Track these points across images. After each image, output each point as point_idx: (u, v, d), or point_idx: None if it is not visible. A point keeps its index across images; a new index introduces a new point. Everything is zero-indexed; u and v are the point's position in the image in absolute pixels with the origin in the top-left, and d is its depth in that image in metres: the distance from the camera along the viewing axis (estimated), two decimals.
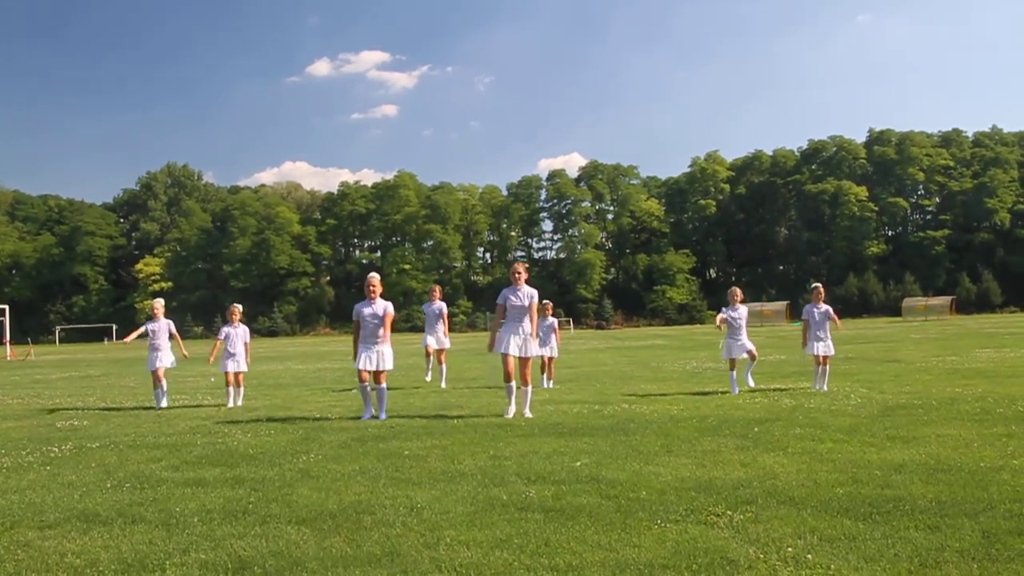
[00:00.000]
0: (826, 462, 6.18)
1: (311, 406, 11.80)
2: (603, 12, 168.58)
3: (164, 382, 12.39)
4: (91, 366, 28.96)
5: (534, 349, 9.69)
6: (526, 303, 9.61)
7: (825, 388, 11.90)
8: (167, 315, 12.87)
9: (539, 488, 5.52)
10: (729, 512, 4.73)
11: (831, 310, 12.34)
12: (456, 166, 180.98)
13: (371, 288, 10.06)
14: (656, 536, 4.30)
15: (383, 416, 9.80)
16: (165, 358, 12.39)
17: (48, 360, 37.57)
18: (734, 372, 12.19)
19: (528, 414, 9.54)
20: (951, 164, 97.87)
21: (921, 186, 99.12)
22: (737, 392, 11.80)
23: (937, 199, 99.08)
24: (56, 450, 7.93)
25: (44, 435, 9.24)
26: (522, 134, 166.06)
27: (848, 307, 79.55)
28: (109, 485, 6.10)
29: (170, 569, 4.04)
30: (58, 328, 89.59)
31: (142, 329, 12.74)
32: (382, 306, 10.07)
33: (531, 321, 9.62)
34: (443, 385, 14.48)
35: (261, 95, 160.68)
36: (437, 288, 15.53)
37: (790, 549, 4.01)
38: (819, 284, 12.63)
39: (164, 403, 12.23)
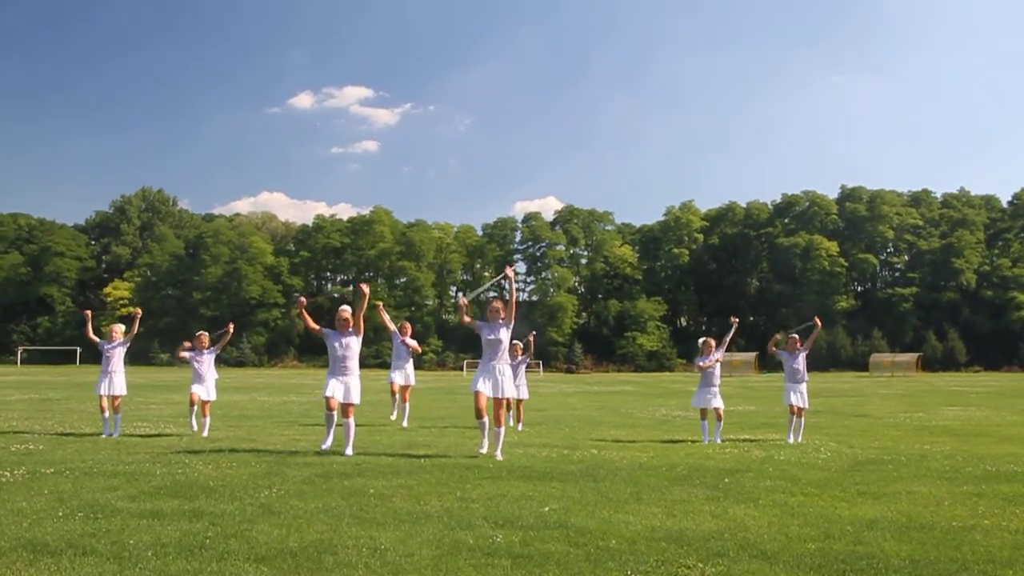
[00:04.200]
0: (797, 516, 6.10)
1: (276, 439, 11.57)
2: (583, 57, 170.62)
3: (119, 413, 12.02)
4: (52, 389, 28.35)
5: (509, 390, 9.59)
6: (503, 338, 9.55)
7: (801, 439, 11.86)
8: (131, 341, 12.48)
9: (506, 533, 5.38)
10: (700, 564, 4.63)
11: (803, 358, 12.32)
12: (433, 204, 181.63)
13: (343, 321, 9.95)
14: None
15: (349, 452, 9.61)
16: (117, 385, 12.02)
17: (8, 381, 36.76)
18: (705, 422, 12.12)
19: (498, 456, 9.39)
20: (920, 223, 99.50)
21: (890, 244, 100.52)
22: (708, 441, 11.73)
23: (906, 257, 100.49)
24: (7, 475, 7.67)
25: None
26: (499, 175, 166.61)
27: (817, 360, 79.81)
28: (61, 514, 5.88)
29: None
30: (20, 349, 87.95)
31: (99, 341, 12.25)
32: (354, 336, 9.96)
33: (510, 312, 9.57)
34: (405, 424, 14.23)
35: (241, 124, 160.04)
36: (408, 325, 15.32)
37: None
38: (796, 335, 12.56)
39: (117, 433, 11.82)
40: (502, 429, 9.58)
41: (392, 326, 14.92)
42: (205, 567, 4.50)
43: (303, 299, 10.91)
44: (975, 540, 5.32)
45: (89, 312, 13.60)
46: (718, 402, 12.11)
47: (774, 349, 12.77)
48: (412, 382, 14.65)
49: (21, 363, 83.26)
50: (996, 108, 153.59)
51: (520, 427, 13.76)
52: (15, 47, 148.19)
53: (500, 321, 9.69)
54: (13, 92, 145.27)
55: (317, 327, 10.07)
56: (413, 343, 14.67)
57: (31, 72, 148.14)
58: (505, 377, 9.52)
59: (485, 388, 9.44)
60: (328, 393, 9.80)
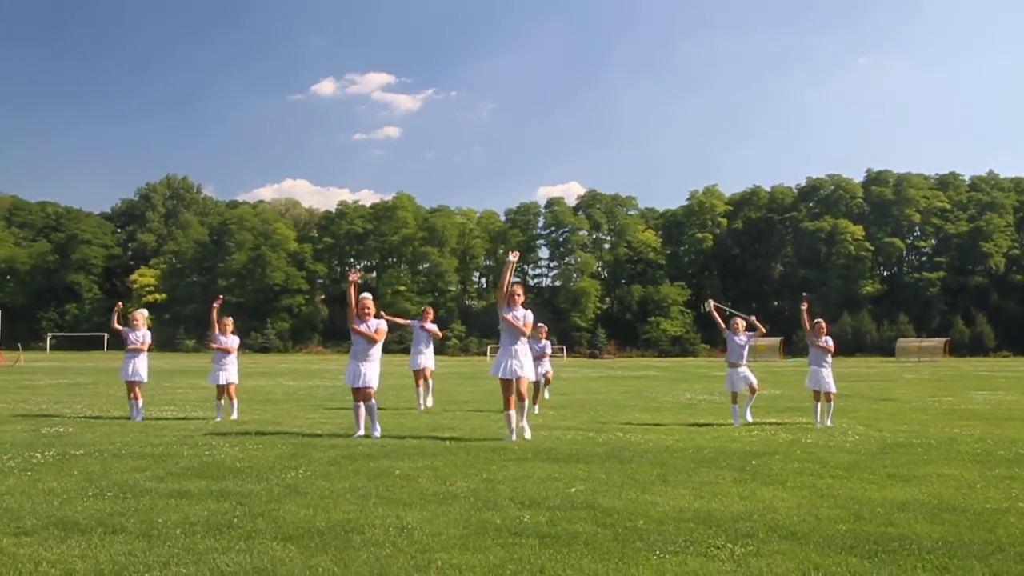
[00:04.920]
0: (827, 498, 6.04)
1: (301, 422, 11.63)
2: (605, 42, 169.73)
3: (140, 399, 12.11)
4: (80, 374, 28.68)
5: (530, 371, 9.55)
6: (522, 323, 9.51)
7: (830, 423, 11.76)
8: (156, 326, 12.59)
9: (533, 513, 5.37)
10: (729, 545, 4.59)
11: (830, 340, 12.23)
12: (455, 190, 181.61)
13: (365, 310, 9.94)
14: (655, 568, 4.15)
15: (376, 434, 9.64)
16: (141, 370, 12.13)
17: (38, 366, 37.25)
18: (736, 405, 12.04)
19: (526, 427, 9.49)
20: (947, 207, 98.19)
21: (917, 227, 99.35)
22: (737, 424, 11.66)
23: (933, 241, 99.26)
24: (39, 456, 7.76)
25: (27, 440, 9.06)
26: (522, 161, 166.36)
27: (842, 345, 79.03)
28: (91, 493, 5.93)
29: None
30: (49, 335, 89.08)
31: (123, 330, 12.37)
32: (375, 324, 9.95)
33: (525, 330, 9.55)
34: (430, 403, 14.31)
35: (264, 111, 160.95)
36: (431, 310, 15.31)
37: None
38: (820, 320, 12.47)
39: (139, 417, 11.91)
40: (525, 402, 9.61)
41: (404, 320, 14.90)
42: (233, 545, 4.52)
43: (357, 272, 10.73)
44: (1010, 522, 5.23)
45: (119, 305, 13.68)
46: (752, 378, 12.04)
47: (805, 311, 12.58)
48: (432, 366, 14.64)
49: (50, 349, 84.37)
50: None
51: (536, 409, 13.74)
52: (40, 37, 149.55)
53: (519, 307, 9.63)
54: (39, 80, 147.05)
55: (356, 308, 10.00)
56: (433, 327, 14.67)
57: (56, 60, 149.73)
58: (527, 357, 9.52)
59: (509, 373, 9.39)
60: (348, 382, 9.87)
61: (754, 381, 12.11)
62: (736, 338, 12.11)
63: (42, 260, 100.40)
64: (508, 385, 9.45)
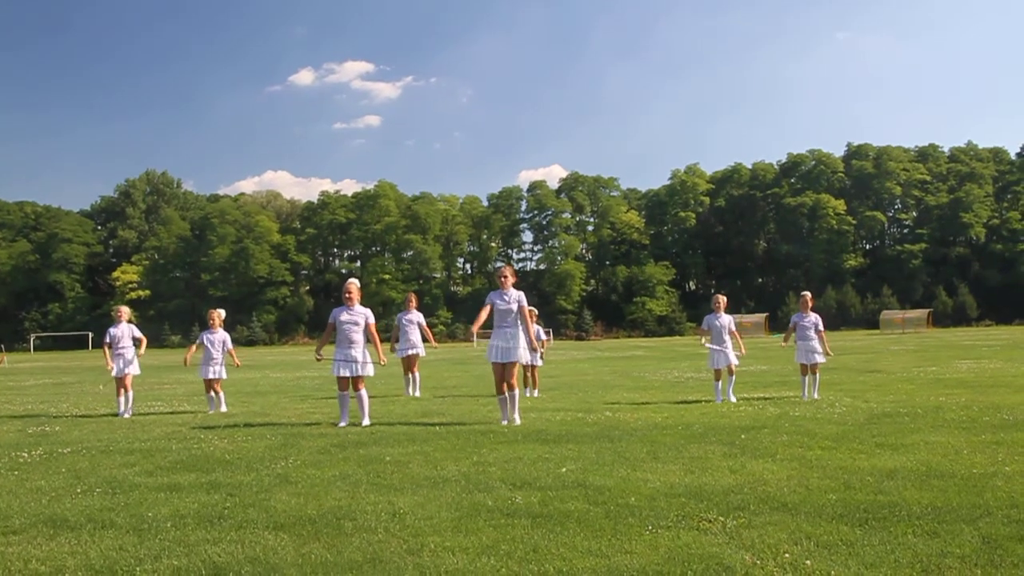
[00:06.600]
0: (816, 468, 6.07)
1: (289, 413, 11.59)
2: (584, 25, 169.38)
3: (131, 392, 11.98)
4: (65, 373, 28.47)
5: (520, 354, 9.49)
6: (513, 307, 9.43)
7: (816, 396, 11.83)
8: (141, 322, 12.47)
9: (525, 494, 5.37)
10: (721, 518, 4.60)
11: (819, 321, 12.27)
12: (437, 177, 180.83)
13: (348, 295, 9.88)
14: (648, 542, 4.16)
15: (366, 422, 9.60)
16: (130, 365, 12.02)
17: (22, 367, 36.95)
18: (719, 383, 12.07)
19: (517, 419, 9.38)
20: (928, 179, 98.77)
21: (898, 200, 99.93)
22: (720, 401, 11.69)
23: (914, 213, 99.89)
24: (25, 455, 7.70)
25: (13, 440, 8.99)
26: (503, 146, 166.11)
27: (826, 319, 79.38)
28: (79, 490, 5.89)
29: (140, 575, 3.86)
30: (33, 336, 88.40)
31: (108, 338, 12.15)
32: (361, 313, 9.88)
33: (525, 325, 9.47)
34: (417, 394, 14.27)
35: (243, 104, 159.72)
36: (414, 297, 15.29)
37: (787, 555, 3.88)
38: (807, 293, 12.57)
39: (128, 413, 11.74)
40: (516, 392, 9.53)
41: (396, 338, 14.78)
42: (224, 536, 4.49)
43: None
44: (997, 486, 5.28)
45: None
46: (732, 358, 12.05)
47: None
48: (422, 352, 14.64)
49: (34, 350, 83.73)
50: (1003, 59, 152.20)
51: (536, 393, 13.76)
52: (16, 36, 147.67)
53: (510, 289, 9.55)
54: (15, 80, 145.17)
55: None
56: (418, 316, 14.68)
57: (32, 60, 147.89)
58: (518, 342, 9.43)
59: (499, 357, 9.35)
60: (336, 373, 9.75)
61: (734, 361, 12.10)
62: (718, 319, 12.13)
63: (22, 260, 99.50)
64: (500, 369, 9.42)
